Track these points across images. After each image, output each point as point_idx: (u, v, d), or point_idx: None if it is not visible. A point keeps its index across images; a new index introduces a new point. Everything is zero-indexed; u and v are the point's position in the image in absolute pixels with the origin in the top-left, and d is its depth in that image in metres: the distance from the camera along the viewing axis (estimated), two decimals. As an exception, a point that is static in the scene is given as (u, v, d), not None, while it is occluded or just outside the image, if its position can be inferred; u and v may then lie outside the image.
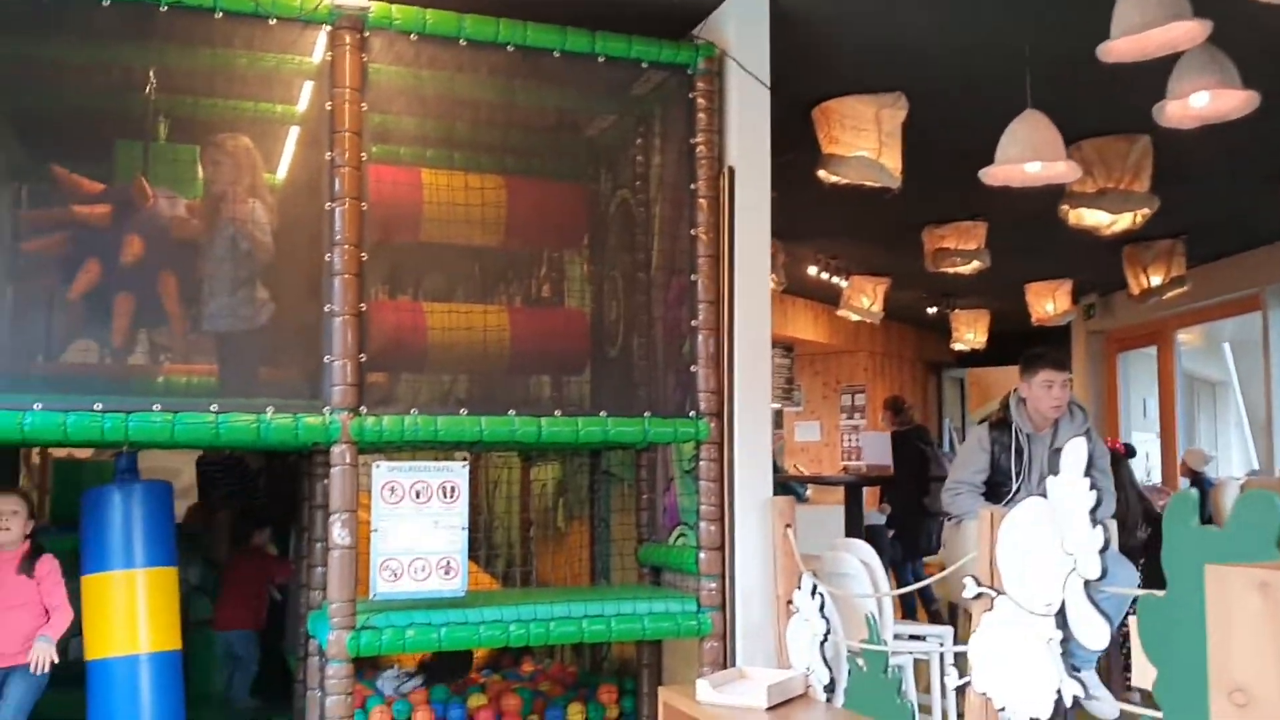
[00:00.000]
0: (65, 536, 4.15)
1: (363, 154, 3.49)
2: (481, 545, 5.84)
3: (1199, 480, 8.87)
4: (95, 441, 3.27)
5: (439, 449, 4.25)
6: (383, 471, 3.46)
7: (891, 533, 7.39)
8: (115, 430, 3.17)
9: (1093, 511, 2.40)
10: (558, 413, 3.67)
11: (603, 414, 3.73)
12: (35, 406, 3.13)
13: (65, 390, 3.24)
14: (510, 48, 3.69)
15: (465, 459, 4.38)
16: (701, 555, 3.84)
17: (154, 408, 3.22)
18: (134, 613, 3.72)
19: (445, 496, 3.52)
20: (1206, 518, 6.56)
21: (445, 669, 4.45)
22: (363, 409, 3.43)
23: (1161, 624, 2.14)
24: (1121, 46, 2.75)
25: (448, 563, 3.50)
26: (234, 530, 5.51)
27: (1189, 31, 2.68)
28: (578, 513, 5.21)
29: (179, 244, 3.59)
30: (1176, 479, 9.44)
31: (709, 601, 3.81)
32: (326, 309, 3.42)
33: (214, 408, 3.29)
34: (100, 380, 3.33)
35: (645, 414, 3.81)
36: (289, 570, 5.10)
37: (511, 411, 3.60)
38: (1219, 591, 1.72)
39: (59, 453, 5.63)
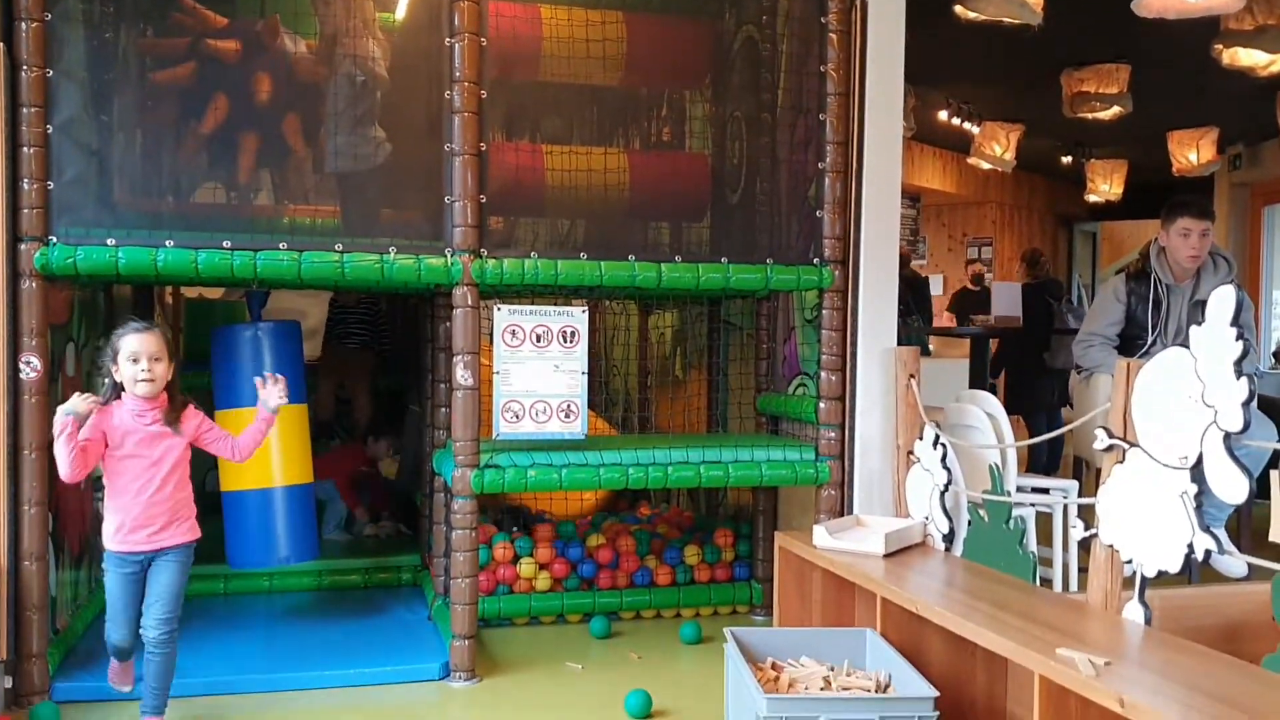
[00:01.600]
0: (199, 374, 4.32)
1: (482, -12, 3.41)
2: (600, 392, 5.91)
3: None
4: (225, 279, 3.35)
5: (558, 295, 4.27)
6: (504, 315, 3.50)
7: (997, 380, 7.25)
8: (244, 268, 3.25)
9: (1238, 362, 2.28)
10: (678, 258, 3.64)
11: (724, 260, 3.68)
12: (168, 244, 3.22)
13: (195, 229, 3.32)
14: (634, -124, 3.53)
15: (584, 305, 4.40)
16: (821, 405, 3.81)
17: (280, 246, 3.29)
18: (267, 448, 3.88)
19: (565, 341, 3.54)
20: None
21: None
22: (483, 251, 3.44)
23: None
24: None
25: (568, 406, 3.55)
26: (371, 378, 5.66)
27: None
28: (696, 362, 5.21)
29: (302, 84, 3.59)
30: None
31: (828, 450, 3.80)
32: (447, 148, 3.41)
33: (338, 247, 3.34)
34: (229, 219, 3.38)
35: (768, 260, 3.75)
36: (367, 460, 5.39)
37: (631, 257, 3.57)
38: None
39: (190, 293, 5.81)
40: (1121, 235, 13.02)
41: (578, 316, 3.57)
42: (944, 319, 10.98)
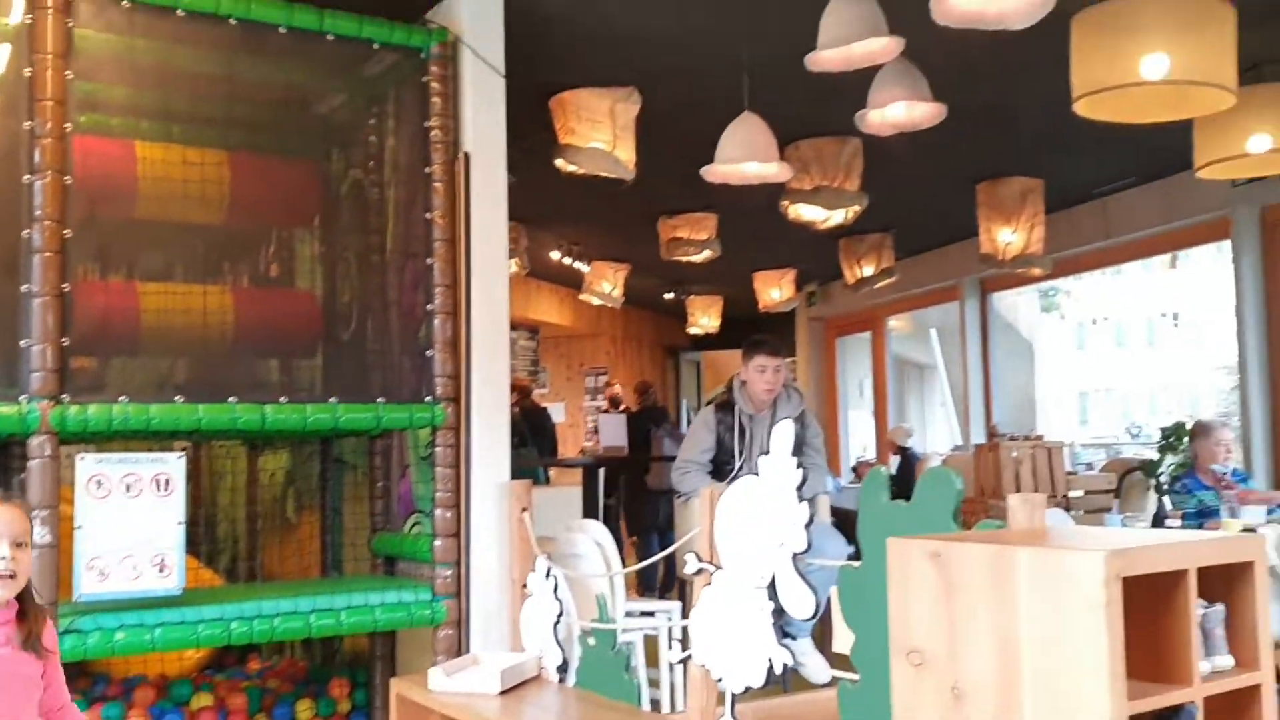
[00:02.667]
0: None
1: (67, 124, 3.26)
2: (205, 540, 5.57)
3: (905, 454, 9.60)
4: None
5: (156, 439, 4.04)
6: (88, 464, 3.25)
7: (610, 504, 7.63)
8: None
9: (799, 488, 2.56)
10: (284, 399, 3.56)
11: (333, 400, 3.65)
12: None
13: None
14: (233, 21, 3.54)
15: (184, 449, 4.18)
16: (437, 543, 3.83)
17: None
18: None
19: (159, 489, 3.35)
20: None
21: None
22: (65, 397, 3.21)
23: (857, 592, 2.32)
24: (826, 57, 2.95)
25: (162, 559, 3.34)
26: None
27: (885, 47, 2.91)
28: (308, 503, 5.06)
29: None
30: (887, 454, 10.17)
31: (444, 589, 3.80)
32: (24, 289, 3.18)
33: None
34: None
35: (379, 399, 3.75)
36: None
37: (233, 398, 3.46)
38: (899, 561, 1.88)
39: None
40: (723, 363, 14.14)
41: (173, 463, 3.39)
42: (569, 445, 11.38)
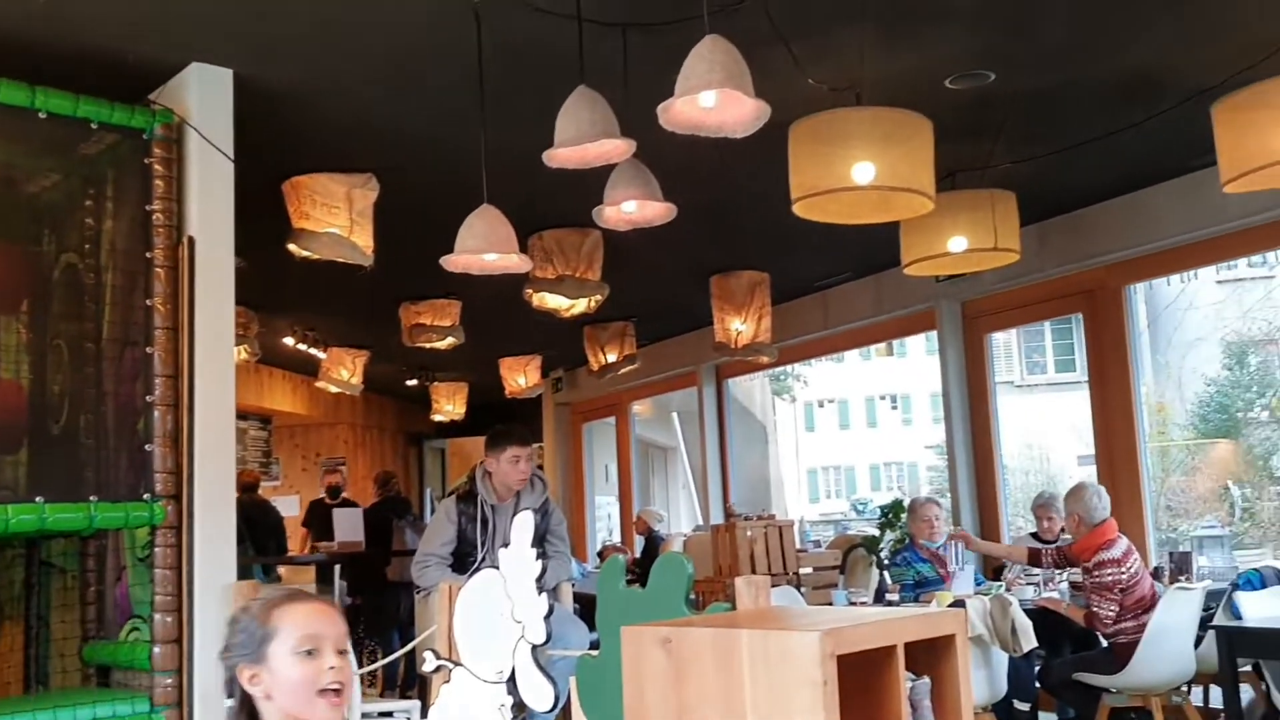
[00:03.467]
0: None
1: None
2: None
3: (652, 537, 9.77)
4: None
5: None
6: None
7: (350, 601, 7.38)
8: None
9: (540, 579, 2.56)
10: (-21, 501, 3.27)
11: (40, 499, 3.38)
12: None
13: None
14: (-71, 92, 3.29)
15: None
16: (155, 649, 3.58)
17: None
18: None
19: None
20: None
21: None
22: None
23: (595, 682, 2.34)
24: (563, 155, 3.04)
25: None
26: None
27: (618, 148, 3.04)
28: (11, 612, 4.61)
29: None
30: (632, 536, 10.32)
31: (164, 699, 3.55)
32: None
33: None
34: None
35: (92, 498, 3.50)
36: None
37: (-82, 501, 3.14)
38: (632, 648, 1.92)
39: None
40: (469, 450, 14.00)
41: None
42: (300, 537, 10.89)
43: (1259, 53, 4.06)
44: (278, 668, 1.96)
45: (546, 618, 2.57)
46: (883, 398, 35.28)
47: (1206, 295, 20.25)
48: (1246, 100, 3.86)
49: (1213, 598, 5.02)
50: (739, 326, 7.23)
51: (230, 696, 2.00)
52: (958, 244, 4.98)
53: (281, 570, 8.28)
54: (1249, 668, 4.93)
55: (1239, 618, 4.54)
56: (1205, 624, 4.92)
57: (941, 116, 3.95)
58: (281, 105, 4.28)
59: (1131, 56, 4.31)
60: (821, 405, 36.00)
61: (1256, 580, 4.90)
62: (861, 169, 3.78)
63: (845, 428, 36.10)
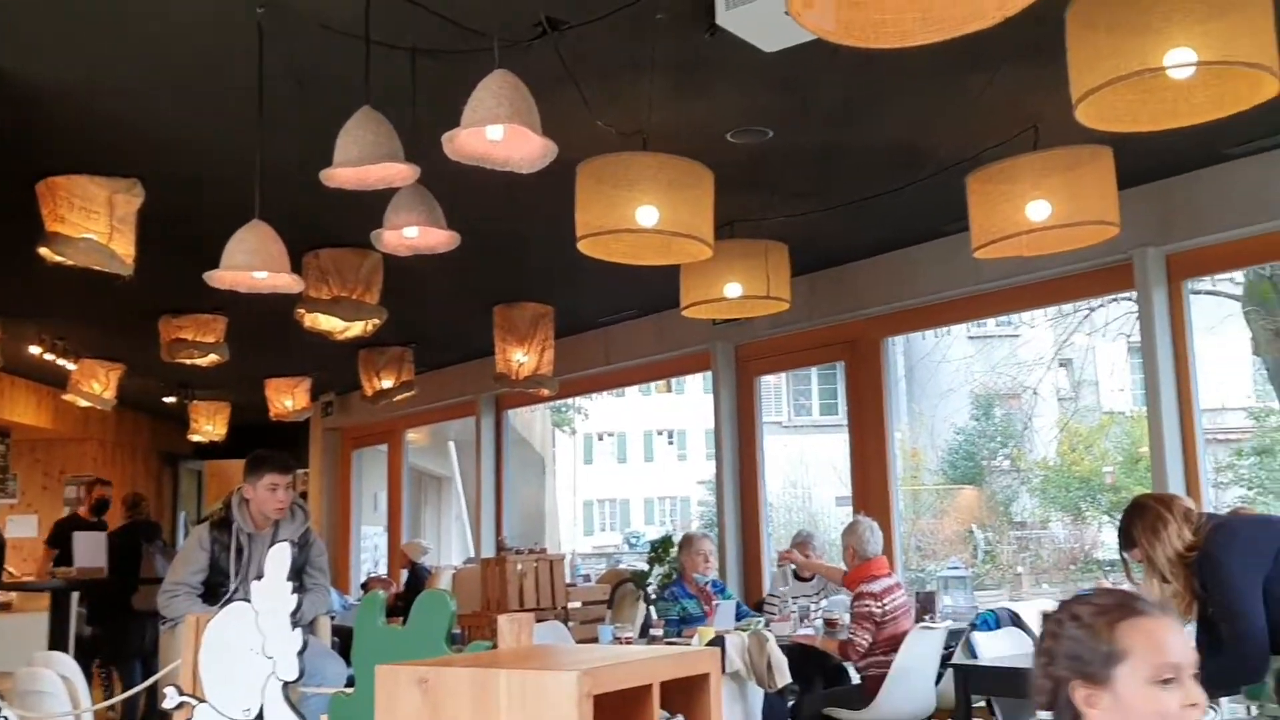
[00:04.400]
0: None
1: None
2: None
3: (415, 569, 9.57)
4: None
5: None
6: None
7: (91, 631, 6.90)
8: None
9: (294, 614, 2.46)
10: None
11: None
12: None
13: None
14: None
15: None
16: None
17: None
18: None
19: None
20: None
21: None
22: None
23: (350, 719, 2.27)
24: (342, 175, 2.97)
25: None
26: None
27: (401, 172, 2.99)
28: None
29: None
30: (398, 569, 10.07)
31: None
32: None
33: None
34: None
35: None
36: None
37: None
38: (387, 688, 1.87)
39: None
40: (229, 473, 13.35)
41: None
42: (41, 559, 10.09)
43: (1009, 131, 4.42)
44: (1127, 696, 1.70)
45: (300, 653, 2.47)
46: (660, 433, 35.94)
47: (959, 350, 21.69)
48: (997, 174, 4.18)
49: (953, 637, 5.33)
50: (521, 358, 7.22)
51: (1049, 708, 1.75)
52: (733, 290, 5.16)
53: (4, 597, 7.63)
54: (983, 703, 5.26)
55: (975, 656, 4.84)
56: (946, 662, 5.21)
57: (723, 168, 4.09)
58: (39, 100, 4.00)
59: (898, 127, 4.59)
60: (601, 438, 36.34)
61: (992, 620, 5.23)
62: (645, 212, 3.86)
63: (623, 461, 36.55)
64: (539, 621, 6.63)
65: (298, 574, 2.53)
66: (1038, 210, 4.05)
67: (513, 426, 10.59)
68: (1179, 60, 2.96)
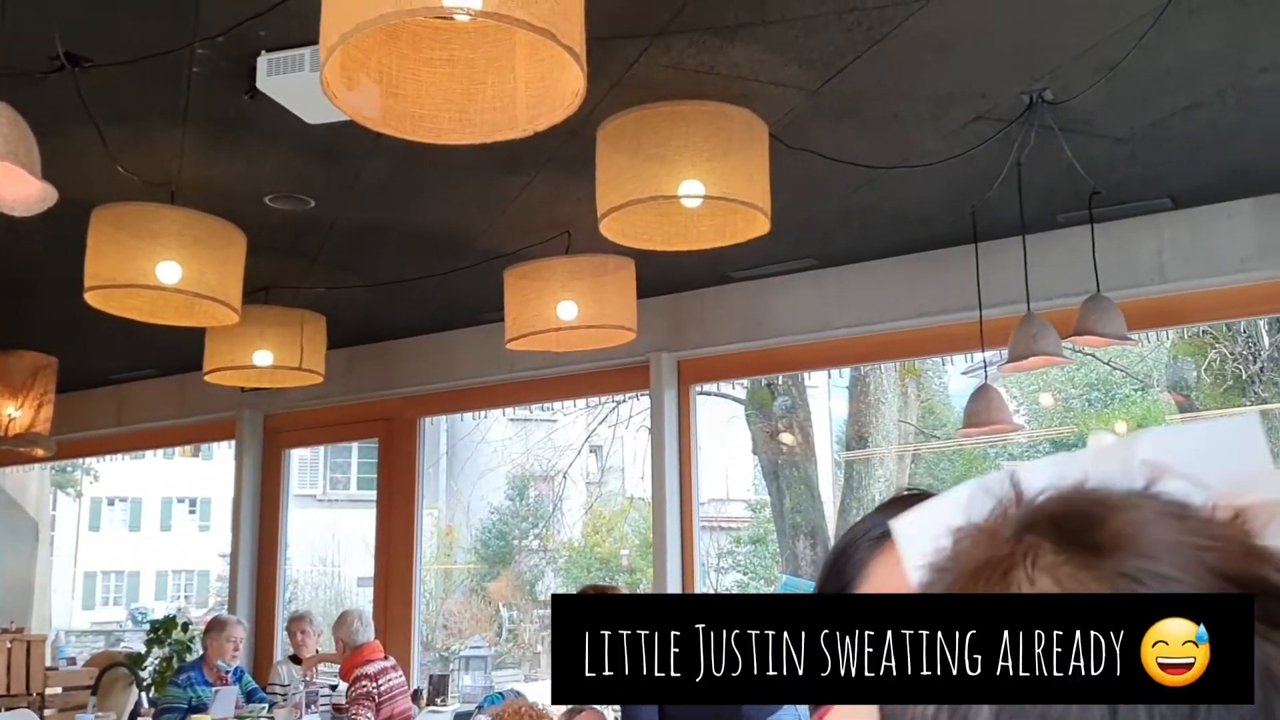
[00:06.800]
0: None
1: None
2: None
3: None
4: None
5: None
6: None
7: None
8: None
9: None
10: None
11: None
12: None
13: None
14: None
15: None
16: None
17: None
18: None
19: None
20: None
21: None
22: None
23: None
24: None
25: None
26: None
27: None
28: None
29: None
30: None
31: None
32: None
33: None
34: None
35: None
36: None
37: None
38: None
39: None
40: None
41: None
42: None
43: (545, 233, 4.67)
44: None
45: None
46: (180, 500, 33.42)
47: (498, 431, 22.25)
48: (531, 272, 4.40)
49: (461, 718, 5.39)
50: (13, 412, 6.44)
51: None
52: (263, 358, 4.96)
53: None
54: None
55: (481, 737, 4.92)
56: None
57: (260, 231, 3.96)
58: None
59: (442, 214, 4.67)
60: (111, 503, 33.11)
61: (498, 702, 5.35)
62: (167, 268, 3.64)
63: (135, 529, 33.48)
64: (8, 710, 5.85)
65: None
66: (566, 310, 4.30)
67: (2, 487, 9.37)
68: (689, 191, 3.30)
